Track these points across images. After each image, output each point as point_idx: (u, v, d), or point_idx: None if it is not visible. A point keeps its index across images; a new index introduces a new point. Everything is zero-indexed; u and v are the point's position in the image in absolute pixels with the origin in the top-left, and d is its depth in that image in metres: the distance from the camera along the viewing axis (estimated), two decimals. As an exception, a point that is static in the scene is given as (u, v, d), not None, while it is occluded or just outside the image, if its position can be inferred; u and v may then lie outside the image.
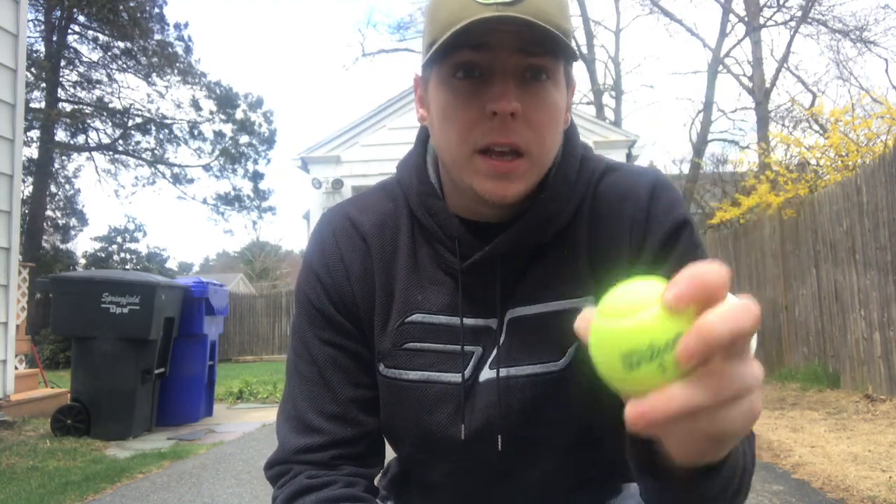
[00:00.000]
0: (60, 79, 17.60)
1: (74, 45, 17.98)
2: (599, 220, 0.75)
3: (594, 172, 0.78)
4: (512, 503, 0.82)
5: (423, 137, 0.81)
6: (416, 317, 0.77)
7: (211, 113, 19.63)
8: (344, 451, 0.78)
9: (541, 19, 0.63)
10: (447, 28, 0.65)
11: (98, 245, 17.90)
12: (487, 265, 0.74)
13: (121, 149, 19.19)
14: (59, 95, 17.54)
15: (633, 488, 0.84)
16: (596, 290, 0.74)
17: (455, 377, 0.75)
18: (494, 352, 0.75)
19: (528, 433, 0.76)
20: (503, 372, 0.75)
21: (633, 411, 0.39)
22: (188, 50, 18.91)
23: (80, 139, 18.66)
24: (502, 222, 0.74)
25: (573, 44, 0.70)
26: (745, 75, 15.86)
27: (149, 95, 24.08)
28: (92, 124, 18.50)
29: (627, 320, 0.39)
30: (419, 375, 0.77)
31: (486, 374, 0.76)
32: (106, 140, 18.93)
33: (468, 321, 0.76)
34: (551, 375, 0.75)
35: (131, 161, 19.53)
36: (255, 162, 20.60)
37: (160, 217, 66.93)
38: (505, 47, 0.66)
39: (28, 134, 16.56)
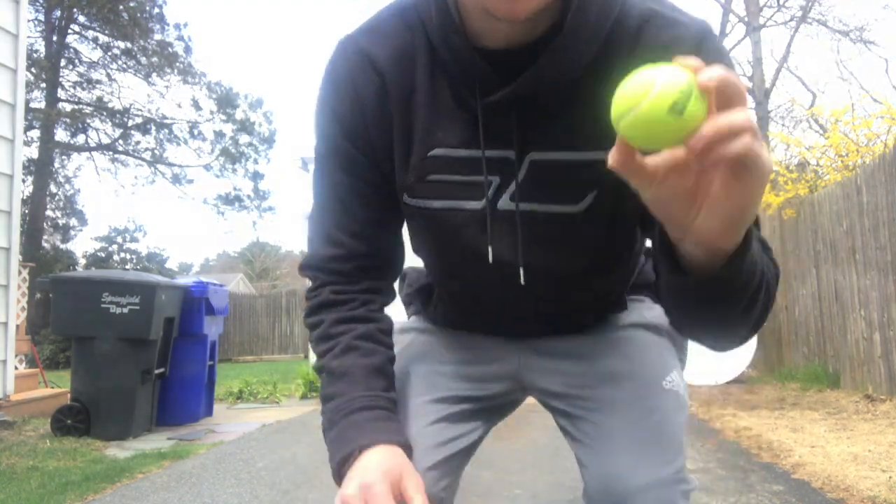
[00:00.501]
0: (60, 79, 17.60)
1: (74, 45, 18.01)
2: (636, 62, 0.69)
3: (629, 13, 0.72)
4: (527, 313, 0.89)
5: None
6: (438, 151, 0.78)
7: (211, 113, 19.64)
8: (363, 264, 0.86)
9: None
10: None
11: (98, 245, 17.91)
12: (509, 103, 0.73)
13: (121, 149, 19.20)
14: (59, 95, 17.55)
15: (640, 304, 0.95)
16: None
17: (477, 204, 0.79)
18: (512, 185, 0.78)
19: (542, 262, 0.81)
20: (524, 206, 0.78)
21: (692, 142, 0.46)
22: (188, 50, 18.91)
23: (80, 139, 18.68)
24: (525, 47, 0.72)
25: None
26: (745, 75, 15.84)
27: (149, 95, 24.15)
28: (92, 124, 18.52)
29: (657, 82, 0.47)
30: (443, 204, 0.81)
31: (505, 203, 0.79)
32: (106, 140, 18.94)
33: (489, 153, 0.77)
34: (569, 217, 0.78)
35: (131, 161, 19.54)
36: (255, 162, 20.61)
37: (160, 217, 66.97)
38: None
39: (28, 134, 16.56)
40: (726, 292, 0.61)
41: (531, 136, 0.76)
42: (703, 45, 0.70)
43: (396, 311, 0.98)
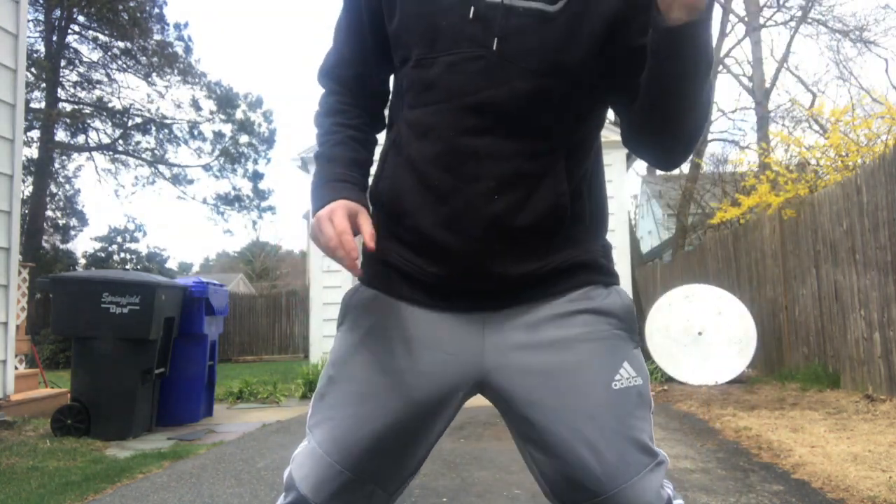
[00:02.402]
0: (60, 79, 17.59)
1: (74, 45, 18.00)
2: None
3: None
4: (485, 145, 0.93)
5: None
6: None
7: (211, 113, 19.63)
8: (362, 74, 1.10)
9: None
10: None
11: (98, 245, 17.87)
12: None
13: (121, 149, 19.19)
14: (59, 95, 17.54)
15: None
16: None
17: None
18: None
19: (515, 47, 0.91)
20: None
21: None
22: (188, 50, 18.91)
23: (80, 139, 18.66)
24: None
25: None
26: (745, 75, 15.85)
27: (149, 95, 24.13)
28: (92, 124, 18.50)
29: None
30: None
31: None
32: (106, 140, 18.93)
33: None
34: (544, 15, 0.90)
35: (131, 161, 19.53)
36: (255, 162, 20.60)
37: (160, 217, 66.92)
38: None
39: (28, 134, 16.55)
40: (696, 50, 0.82)
41: None
42: None
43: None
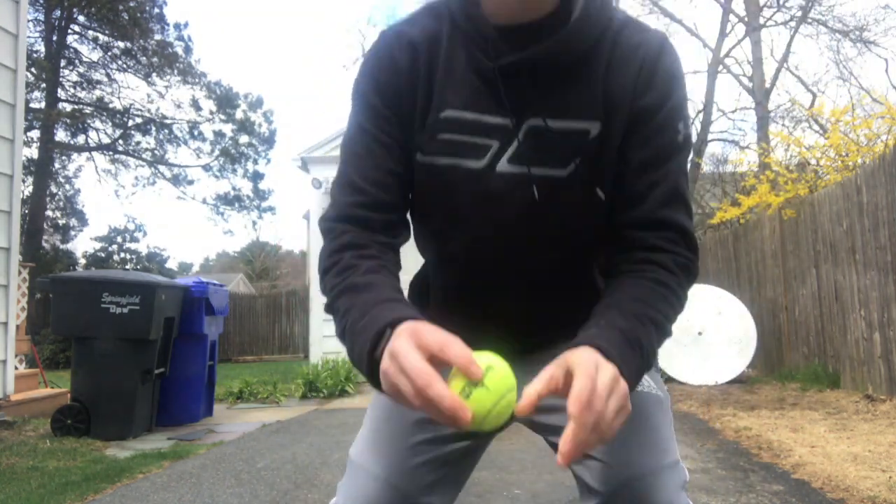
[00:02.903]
0: (60, 79, 17.61)
1: (74, 45, 18.03)
2: (616, 60, 0.89)
3: (614, 18, 0.91)
4: (511, 285, 0.97)
5: None
6: (449, 112, 0.90)
7: (211, 113, 19.65)
8: (381, 215, 0.92)
9: None
10: None
11: (98, 245, 17.89)
12: (517, 71, 0.87)
13: (121, 149, 19.21)
14: (59, 95, 17.56)
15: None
16: (603, 116, 0.88)
17: (478, 164, 0.90)
18: (511, 149, 0.90)
19: (527, 222, 0.92)
20: (518, 168, 0.90)
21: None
22: (188, 50, 18.93)
23: (80, 139, 18.68)
24: (529, 23, 0.87)
25: None
26: (745, 75, 15.85)
27: (149, 95, 24.15)
28: (92, 124, 18.53)
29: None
30: (449, 161, 0.91)
31: (504, 166, 0.90)
32: (106, 140, 18.95)
33: (491, 118, 0.89)
34: (557, 180, 0.90)
35: (131, 161, 19.56)
36: (255, 162, 20.63)
37: (160, 217, 66.91)
38: None
39: (28, 134, 16.56)
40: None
41: (530, 104, 0.88)
42: (664, 49, 0.91)
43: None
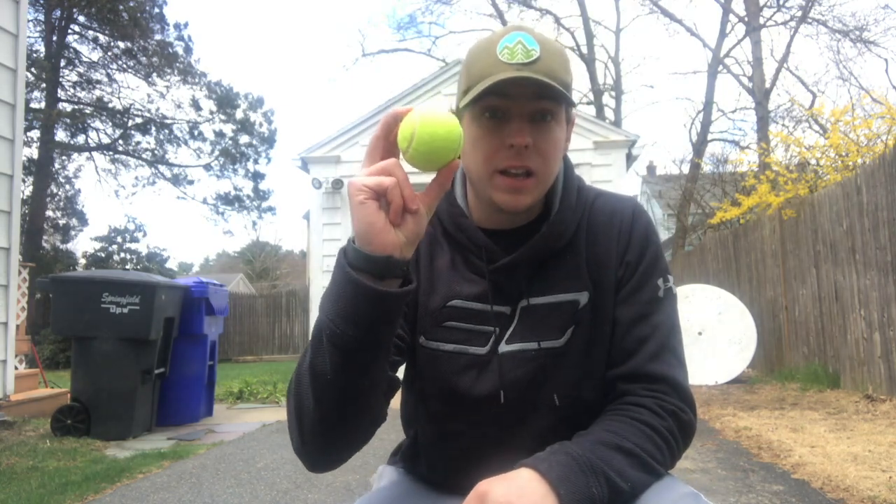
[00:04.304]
0: (60, 79, 17.60)
1: (74, 45, 18.00)
2: (595, 233, 0.99)
3: (587, 198, 1.01)
4: (508, 456, 0.94)
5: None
6: (456, 302, 0.98)
7: (211, 113, 19.64)
8: None
9: (550, 77, 0.86)
10: (479, 80, 0.87)
11: (98, 245, 17.87)
12: (509, 268, 0.96)
13: (121, 149, 19.20)
14: (59, 95, 17.55)
15: None
16: (590, 285, 0.96)
17: (480, 350, 0.97)
18: (509, 330, 0.97)
19: (532, 394, 0.96)
20: (517, 346, 0.96)
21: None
22: (188, 50, 18.92)
23: (80, 139, 18.67)
24: (515, 228, 0.98)
25: (573, 94, 0.95)
26: (745, 75, 15.86)
27: (149, 95, 24.17)
28: (92, 124, 18.52)
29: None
30: (453, 347, 0.98)
31: (504, 347, 0.97)
32: (106, 140, 18.94)
33: (494, 307, 0.97)
34: (554, 350, 0.96)
35: (131, 161, 19.55)
36: (256, 162, 20.62)
37: (160, 217, 66.86)
38: (522, 97, 0.88)
39: (28, 134, 16.56)
40: None
41: (522, 289, 0.97)
42: (635, 213, 1.00)
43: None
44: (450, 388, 0.98)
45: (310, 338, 0.83)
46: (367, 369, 0.79)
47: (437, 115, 0.72)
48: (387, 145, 0.75)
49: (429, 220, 0.84)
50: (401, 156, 0.75)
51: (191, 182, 20.13)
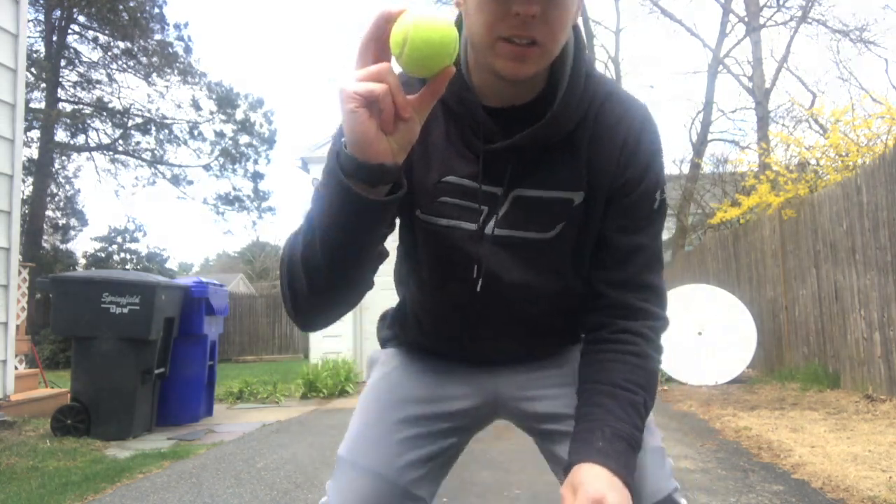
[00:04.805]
0: (60, 79, 17.59)
1: (74, 45, 18.00)
2: (599, 134, 0.95)
3: (597, 92, 0.96)
4: (490, 327, 1.06)
5: (457, 27, 0.93)
6: (450, 178, 0.97)
7: (211, 113, 19.63)
8: None
9: None
10: None
11: (98, 245, 17.87)
12: (506, 151, 0.93)
13: (121, 149, 19.19)
14: (59, 95, 17.54)
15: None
16: (587, 186, 0.96)
17: (471, 226, 0.98)
18: (499, 214, 0.97)
19: (514, 277, 1.00)
20: (506, 232, 0.98)
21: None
22: (188, 50, 18.91)
23: (80, 139, 18.67)
24: (517, 108, 0.94)
25: None
26: (745, 75, 15.84)
27: (149, 95, 24.17)
28: (92, 124, 18.51)
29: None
30: (447, 222, 0.99)
31: (492, 229, 0.98)
32: (106, 140, 18.93)
33: (485, 187, 0.96)
34: (541, 242, 0.98)
35: (131, 161, 19.53)
36: (256, 162, 20.61)
37: (160, 217, 66.80)
38: None
39: (28, 134, 16.55)
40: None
41: (518, 177, 0.96)
42: (645, 125, 0.97)
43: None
44: (441, 261, 1.01)
45: (302, 223, 0.86)
46: (358, 262, 0.85)
47: (432, 20, 0.70)
48: (378, 47, 0.72)
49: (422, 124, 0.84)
50: (393, 59, 0.72)
51: (191, 182, 20.12)
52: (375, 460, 1.01)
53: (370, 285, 0.92)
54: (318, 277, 0.84)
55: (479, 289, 1.00)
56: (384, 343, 1.23)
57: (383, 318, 1.24)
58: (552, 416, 1.08)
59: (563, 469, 0.90)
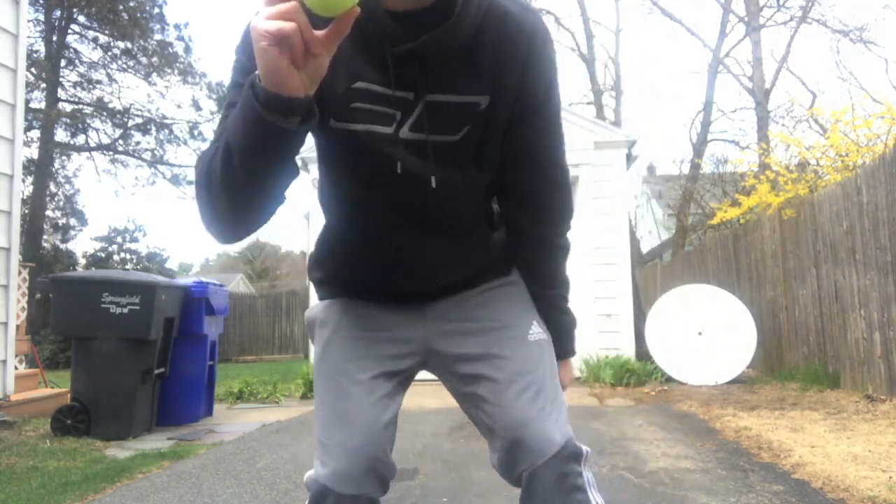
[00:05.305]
0: (60, 79, 17.58)
1: (74, 45, 17.97)
2: (501, 41, 1.02)
3: (494, 3, 1.02)
4: (414, 235, 1.12)
5: None
6: (360, 84, 1.00)
7: (211, 113, 19.59)
8: None
9: None
10: None
11: (98, 245, 17.82)
12: (412, 55, 0.98)
13: (121, 149, 19.17)
14: (59, 95, 17.52)
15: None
16: (491, 90, 1.02)
17: (386, 129, 1.03)
18: (412, 119, 1.02)
19: (429, 177, 1.05)
20: (418, 135, 1.03)
21: None
22: (188, 50, 18.89)
23: (80, 139, 18.64)
24: (421, 10, 0.96)
25: None
26: (745, 75, 15.85)
27: (149, 95, 24.15)
28: (92, 124, 18.48)
29: None
30: (363, 127, 1.02)
31: (406, 133, 1.03)
32: (106, 140, 18.91)
33: (396, 92, 1.01)
34: (450, 144, 1.05)
35: (131, 161, 19.51)
36: (255, 162, 20.57)
37: (160, 217, 66.86)
38: None
39: (28, 134, 16.54)
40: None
41: (427, 82, 1.00)
42: (545, 33, 1.05)
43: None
44: (361, 167, 1.06)
45: (217, 142, 0.92)
46: (273, 177, 0.91)
47: None
48: None
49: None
50: None
51: (191, 182, 20.09)
52: (360, 437, 1.10)
53: (284, 198, 1.00)
54: (237, 191, 0.90)
55: (398, 191, 1.06)
56: (318, 285, 1.28)
57: (313, 258, 1.29)
58: (466, 357, 1.17)
59: (483, 413, 1.14)
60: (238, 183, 0.89)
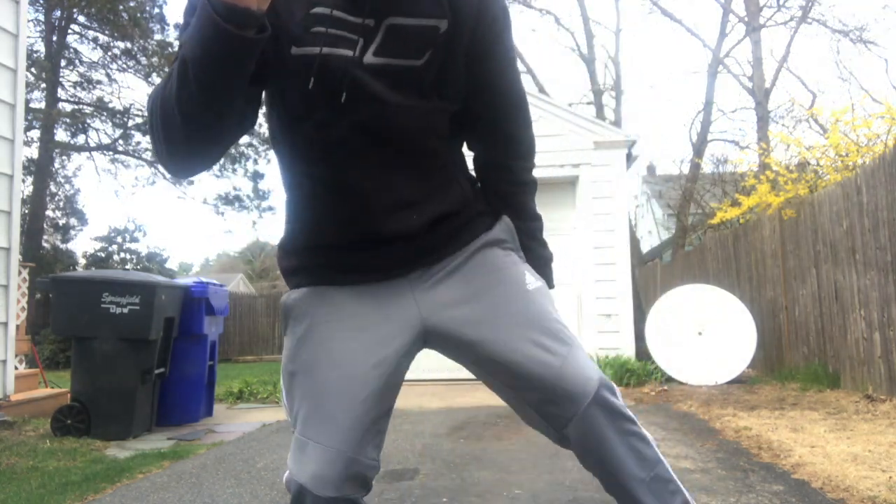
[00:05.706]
0: (60, 79, 17.58)
1: (74, 45, 17.98)
2: None
3: None
4: (382, 169, 1.11)
5: None
6: (318, 9, 1.02)
7: (211, 113, 19.60)
8: None
9: None
10: None
11: (98, 245, 17.87)
12: None
13: (121, 149, 19.17)
14: (59, 95, 17.52)
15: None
16: (450, 14, 1.05)
17: (348, 52, 1.03)
18: (374, 44, 1.04)
19: (394, 102, 1.06)
20: (382, 60, 1.05)
21: None
22: (188, 50, 18.88)
23: (80, 139, 18.65)
24: None
25: None
26: (745, 75, 15.85)
27: (149, 95, 24.08)
28: (92, 124, 18.49)
29: None
30: (326, 50, 1.03)
31: (370, 58, 1.04)
32: (106, 140, 18.91)
33: (355, 18, 1.02)
34: (413, 69, 1.06)
35: (131, 161, 19.52)
36: (255, 162, 20.61)
37: (160, 217, 66.85)
38: None
39: (28, 134, 16.54)
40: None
41: (387, 6, 1.03)
42: None
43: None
44: (325, 97, 1.04)
45: (171, 71, 0.93)
46: (229, 100, 0.93)
47: None
48: None
49: None
50: None
51: (191, 182, 20.10)
52: (340, 438, 1.07)
53: (242, 128, 1.03)
54: (193, 108, 0.91)
55: (361, 119, 1.06)
56: (288, 275, 1.24)
57: (281, 246, 1.27)
58: (470, 321, 1.16)
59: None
60: (193, 100, 0.90)
